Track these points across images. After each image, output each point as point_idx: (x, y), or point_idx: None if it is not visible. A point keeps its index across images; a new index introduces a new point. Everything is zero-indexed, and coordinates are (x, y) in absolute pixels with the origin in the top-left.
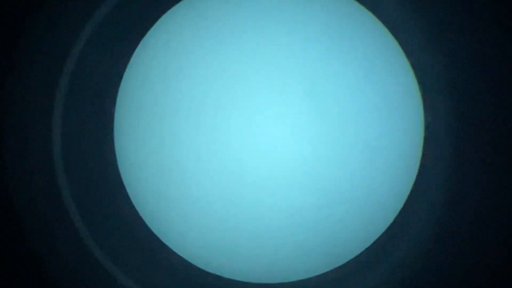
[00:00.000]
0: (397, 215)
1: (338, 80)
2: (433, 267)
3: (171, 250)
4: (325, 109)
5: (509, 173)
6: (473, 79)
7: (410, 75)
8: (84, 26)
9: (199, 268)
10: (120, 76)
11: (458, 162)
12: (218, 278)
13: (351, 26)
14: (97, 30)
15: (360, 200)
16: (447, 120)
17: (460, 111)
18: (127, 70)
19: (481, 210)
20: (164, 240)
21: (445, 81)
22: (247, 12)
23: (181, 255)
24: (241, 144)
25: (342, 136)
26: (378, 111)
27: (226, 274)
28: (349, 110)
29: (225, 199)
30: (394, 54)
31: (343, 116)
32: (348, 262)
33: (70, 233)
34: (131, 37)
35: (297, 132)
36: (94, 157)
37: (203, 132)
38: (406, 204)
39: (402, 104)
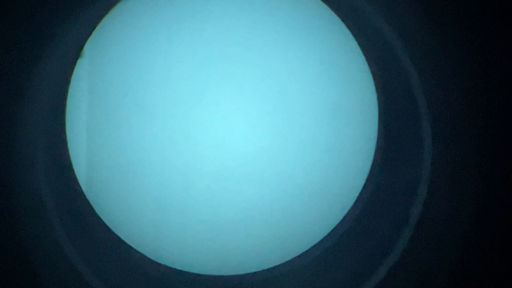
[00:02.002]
0: (351, 207)
1: (294, 75)
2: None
3: (127, 243)
4: (280, 102)
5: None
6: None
7: (367, 73)
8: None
9: (154, 261)
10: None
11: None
12: (180, 272)
13: (311, 25)
14: None
15: (315, 193)
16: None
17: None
18: (76, 70)
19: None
20: (119, 234)
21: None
22: (204, 6)
23: (134, 246)
24: (198, 137)
25: (297, 127)
26: (335, 105)
27: (188, 268)
28: (304, 104)
29: (180, 193)
30: (354, 55)
31: (298, 110)
32: (302, 253)
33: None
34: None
35: (254, 126)
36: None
37: (157, 126)
38: (359, 197)
39: (357, 99)
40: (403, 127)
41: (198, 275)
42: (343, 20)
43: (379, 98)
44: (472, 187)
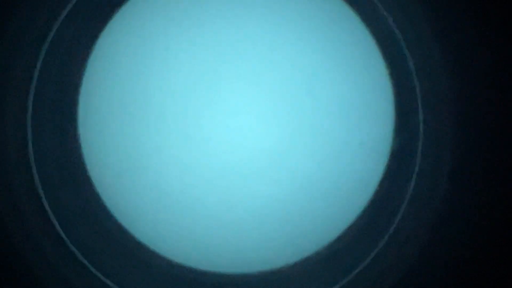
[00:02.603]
0: (365, 207)
1: (308, 72)
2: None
3: (139, 240)
4: (295, 100)
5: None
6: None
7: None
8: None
9: (167, 258)
10: (83, 67)
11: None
12: (193, 269)
13: (328, 22)
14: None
15: (329, 191)
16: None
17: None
18: (90, 60)
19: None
20: (132, 231)
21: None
22: (220, 5)
23: (148, 244)
24: (209, 134)
25: (312, 127)
26: (350, 103)
27: (202, 266)
28: (319, 101)
29: (195, 191)
30: (370, 52)
31: (313, 108)
32: (314, 253)
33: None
34: (93, 28)
35: (268, 124)
36: (59, 149)
37: (170, 123)
38: (373, 196)
39: (372, 98)
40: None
41: (206, 272)
42: (357, 14)
43: (394, 94)
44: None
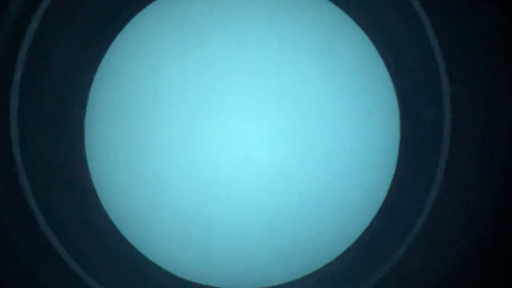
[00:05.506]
0: (374, 216)
1: (314, 82)
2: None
3: (145, 256)
4: (302, 112)
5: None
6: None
7: (387, 79)
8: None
9: (174, 275)
10: (91, 77)
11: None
12: (199, 285)
13: (329, 29)
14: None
15: (338, 203)
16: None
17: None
18: (99, 69)
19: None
20: (137, 246)
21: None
22: (222, 13)
23: (156, 262)
24: (216, 148)
25: (319, 138)
26: (355, 112)
27: (203, 280)
28: (325, 112)
29: (201, 204)
30: (373, 59)
31: (320, 119)
32: (324, 266)
33: (35, 235)
34: (104, 35)
35: (274, 136)
36: (62, 157)
37: (177, 135)
38: (382, 206)
39: (379, 106)
40: (423, 130)
41: None
42: (359, 24)
43: (399, 105)
44: None
